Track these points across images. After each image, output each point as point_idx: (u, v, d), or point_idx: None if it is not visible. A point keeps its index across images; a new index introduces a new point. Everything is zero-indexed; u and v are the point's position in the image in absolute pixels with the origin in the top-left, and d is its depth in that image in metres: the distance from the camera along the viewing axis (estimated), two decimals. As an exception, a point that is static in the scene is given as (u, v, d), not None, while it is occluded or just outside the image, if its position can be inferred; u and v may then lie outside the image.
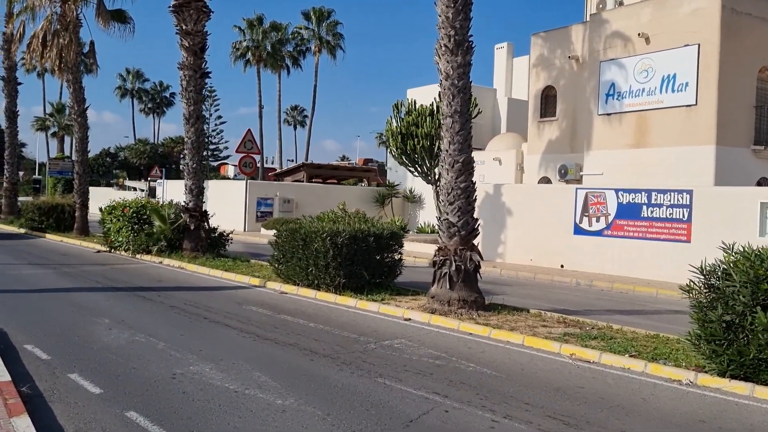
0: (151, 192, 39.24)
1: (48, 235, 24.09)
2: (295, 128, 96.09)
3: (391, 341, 9.00)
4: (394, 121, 32.76)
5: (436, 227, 11.45)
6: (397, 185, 35.36)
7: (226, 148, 79.52)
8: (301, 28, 57.51)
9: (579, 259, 18.29)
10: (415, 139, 30.70)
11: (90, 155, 30.43)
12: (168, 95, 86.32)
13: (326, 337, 9.13)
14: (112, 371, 6.98)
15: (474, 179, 11.40)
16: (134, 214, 18.33)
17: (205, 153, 76.81)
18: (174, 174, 54.83)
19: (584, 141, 21.94)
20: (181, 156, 64.99)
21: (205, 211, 17.95)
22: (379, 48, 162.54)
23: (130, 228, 18.25)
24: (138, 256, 18.08)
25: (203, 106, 18.11)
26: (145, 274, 15.22)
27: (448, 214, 11.18)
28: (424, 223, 32.71)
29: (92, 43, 24.97)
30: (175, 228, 17.64)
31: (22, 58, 46.87)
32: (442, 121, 11.34)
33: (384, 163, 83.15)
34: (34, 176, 62.78)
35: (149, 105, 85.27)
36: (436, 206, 31.52)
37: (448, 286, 10.96)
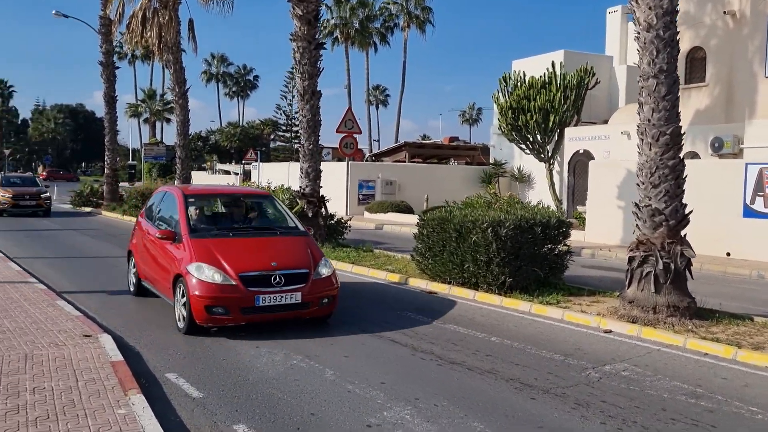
0: (246, 175, 38.37)
1: (151, 223, 23.20)
2: (377, 108, 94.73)
3: (612, 366, 6.97)
4: (501, 95, 30.47)
5: (634, 214, 9.29)
6: (504, 164, 33.01)
7: (310, 129, 78.64)
8: (389, 3, 55.64)
9: (750, 246, 15.65)
10: (527, 114, 28.34)
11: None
12: (251, 78, 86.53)
13: (525, 358, 7.18)
14: (287, 420, 5.25)
15: (681, 155, 9.12)
16: (246, 201, 16.89)
17: (288, 135, 76.42)
18: (264, 157, 54.18)
19: (745, 108, 18.99)
20: (273, 137, 64.47)
21: (323, 196, 16.31)
22: (452, 23, 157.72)
23: (242, 216, 16.81)
24: (251, 246, 16.65)
25: (317, 81, 16.37)
26: (266, 268, 13.70)
27: (650, 199, 8.98)
28: (535, 204, 30.29)
29: (191, 22, 23.78)
30: (292, 216, 16.07)
31: (118, 44, 46.95)
32: (641, 84, 9.09)
33: (467, 141, 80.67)
34: (128, 162, 63.75)
35: (233, 89, 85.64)
36: (549, 185, 29.16)
37: (652, 289, 8.80)
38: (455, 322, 8.87)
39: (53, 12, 32.20)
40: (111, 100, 30.66)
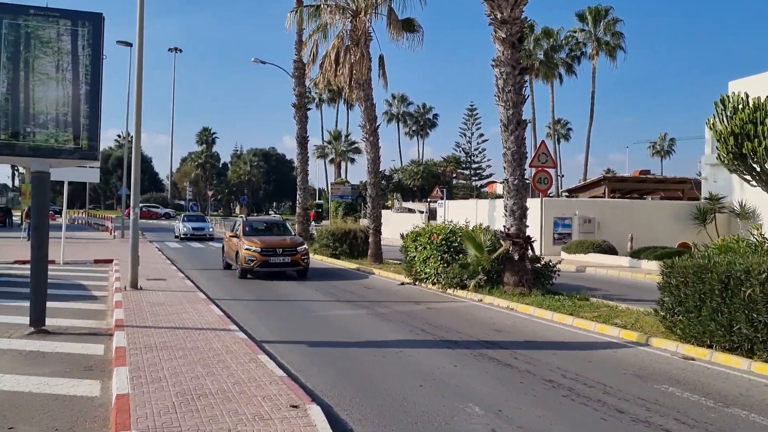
0: (431, 214, 37.63)
1: (342, 262, 22.84)
2: (558, 142, 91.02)
3: None
4: (718, 120, 27.00)
5: None
6: (721, 198, 29.12)
7: (489, 166, 77.41)
8: (575, 32, 53.13)
9: None
10: (755, 140, 24.72)
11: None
12: (431, 117, 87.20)
13: None
14: None
15: None
16: (443, 242, 15.70)
17: (467, 172, 75.54)
18: (447, 194, 53.61)
19: None
20: (455, 175, 63.87)
21: (529, 237, 14.65)
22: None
23: (439, 258, 15.62)
24: (449, 290, 15.36)
25: (522, 109, 14.88)
26: (472, 317, 12.25)
27: None
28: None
29: (381, 58, 23.39)
30: (495, 258, 14.58)
31: (307, 88, 49.18)
32: None
33: (658, 174, 74.73)
34: (315, 201, 66.26)
35: (413, 128, 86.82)
36: (784, 223, 25.06)
37: None
38: (743, 406, 6.76)
39: (252, 59, 34.12)
40: (303, 140, 31.44)
